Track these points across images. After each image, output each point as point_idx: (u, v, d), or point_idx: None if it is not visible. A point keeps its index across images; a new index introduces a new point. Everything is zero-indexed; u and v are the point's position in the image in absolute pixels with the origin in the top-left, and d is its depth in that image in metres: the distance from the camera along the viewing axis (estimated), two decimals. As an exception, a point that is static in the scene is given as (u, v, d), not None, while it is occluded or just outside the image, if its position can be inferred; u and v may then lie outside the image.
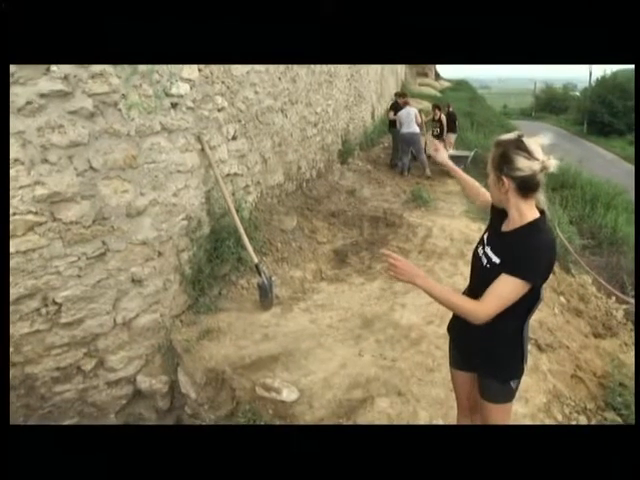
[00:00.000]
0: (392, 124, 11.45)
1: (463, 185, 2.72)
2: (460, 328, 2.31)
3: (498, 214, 2.18)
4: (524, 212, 2.02)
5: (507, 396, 2.25)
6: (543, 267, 1.98)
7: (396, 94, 12.42)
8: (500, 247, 2.07)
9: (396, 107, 11.45)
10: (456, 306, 2.02)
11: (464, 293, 2.38)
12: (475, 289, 2.14)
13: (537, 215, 2.04)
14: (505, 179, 1.98)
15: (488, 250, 2.12)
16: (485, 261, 2.11)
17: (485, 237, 2.21)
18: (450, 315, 2.40)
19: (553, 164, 1.94)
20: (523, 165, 1.93)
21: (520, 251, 1.96)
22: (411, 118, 10.83)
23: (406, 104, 11.33)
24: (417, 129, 10.82)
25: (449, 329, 2.50)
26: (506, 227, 2.10)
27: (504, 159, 1.96)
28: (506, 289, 1.97)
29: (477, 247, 2.24)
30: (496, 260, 2.04)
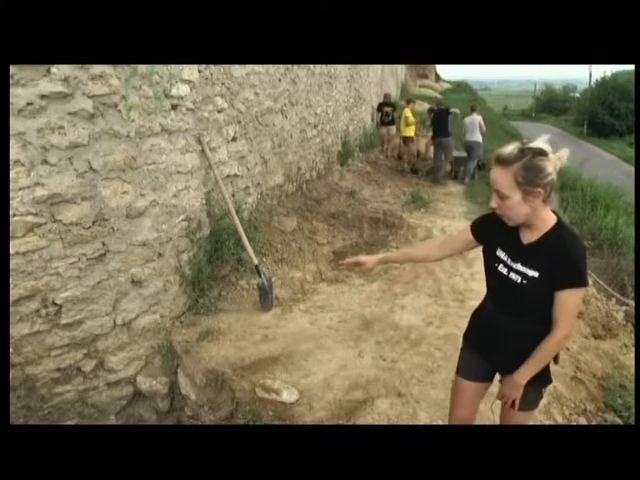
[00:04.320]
0: (444, 132, 11.26)
1: (411, 258, 2.59)
2: (490, 339, 2.24)
3: (505, 228, 2.09)
4: (545, 217, 2.00)
5: (537, 402, 2.29)
6: (586, 264, 1.98)
7: (437, 102, 12.47)
8: (533, 259, 2.01)
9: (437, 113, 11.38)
10: (548, 356, 2.07)
11: (483, 307, 2.36)
12: (510, 308, 2.13)
13: (554, 215, 2.02)
14: (540, 190, 1.89)
15: (518, 266, 2.04)
16: (519, 278, 2.04)
17: (503, 254, 2.12)
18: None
19: (566, 154, 1.95)
20: (550, 169, 1.89)
21: (567, 259, 1.93)
22: (475, 126, 10.84)
23: (474, 110, 11.30)
24: (480, 138, 10.85)
25: (473, 340, 2.41)
26: (530, 237, 2.04)
27: (533, 171, 1.87)
28: (574, 304, 1.98)
29: (495, 266, 2.15)
30: (534, 274, 1.99)
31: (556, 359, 2.20)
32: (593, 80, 44.59)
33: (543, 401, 3.40)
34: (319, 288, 5.20)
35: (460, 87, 45.13)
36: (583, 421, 3.41)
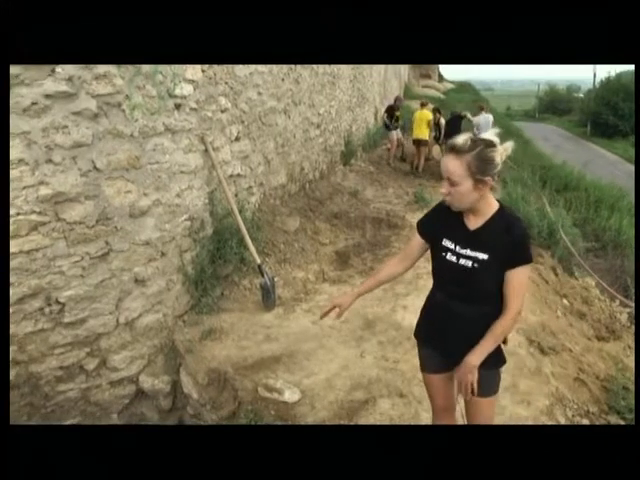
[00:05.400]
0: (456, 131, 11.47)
1: (385, 280, 2.53)
2: (445, 329, 2.28)
3: (450, 216, 2.20)
4: (490, 203, 2.12)
5: (497, 386, 2.30)
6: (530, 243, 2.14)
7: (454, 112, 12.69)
8: (481, 243, 2.10)
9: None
10: (503, 334, 2.14)
11: (432, 300, 2.39)
12: (462, 294, 2.17)
13: (496, 202, 2.15)
14: (489, 179, 2.01)
15: (467, 252, 2.12)
16: (470, 263, 2.11)
17: (450, 243, 2.18)
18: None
19: (511, 145, 2.10)
20: (498, 159, 2.03)
21: (513, 239, 2.05)
22: (489, 125, 11.15)
23: (482, 110, 11.50)
24: None
25: (424, 336, 2.44)
26: (475, 223, 2.14)
27: (485, 161, 1.99)
28: (523, 281, 2.10)
29: (443, 255, 2.20)
30: (484, 257, 2.08)
31: (505, 340, 2.25)
32: (597, 80, 44.54)
33: (545, 402, 3.41)
34: (322, 288, 5.20)
35: (463, 87, 45.17)
36: (586, 423, 3.40)
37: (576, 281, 6.90)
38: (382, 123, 13.22)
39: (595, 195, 13.00)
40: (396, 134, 12.41)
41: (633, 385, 3.79)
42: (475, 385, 2.13)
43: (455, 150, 2.01)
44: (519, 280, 2.07)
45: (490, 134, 2.08)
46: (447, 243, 2.19)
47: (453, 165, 2.01)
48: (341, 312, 2.41)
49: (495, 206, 2.13)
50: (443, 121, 12.25)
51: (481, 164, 1.99)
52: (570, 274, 7.10)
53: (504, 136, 2.12)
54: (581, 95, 57.98)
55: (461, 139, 2.03)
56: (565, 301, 5.77)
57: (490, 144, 2.02)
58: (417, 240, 2.37)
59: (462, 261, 2.13)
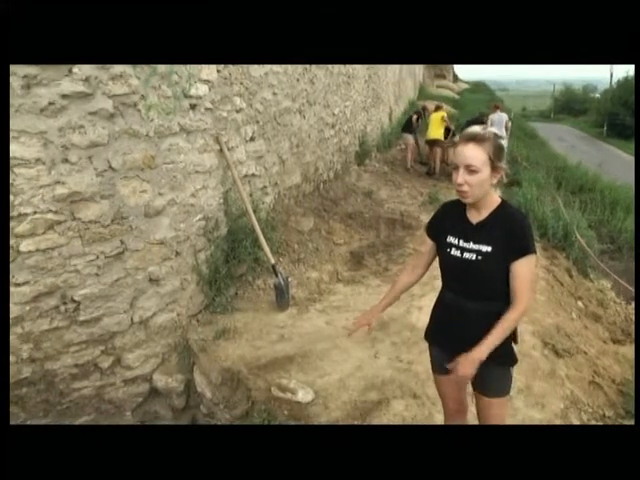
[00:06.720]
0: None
1: (402, 291, 2.54)
2: (453, 328, 2.27)
3: (454, 213, 2.26)
4: (493, 196, 2.17)
5: (508, 386, 2.29)
6: (533, 235, 2.16)
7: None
8: (485, 236, 2.12)
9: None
10: (510, 328, 2.10)
11: (441, 300, 2.39)
12: (468, 289, 2.19)
13: (498, 197, 2.20)
14: (504, 167, 2.09)
15: (471, 245, 2.14)
16: (473, 256, 2.13)
17: (454, 239, 2.21)
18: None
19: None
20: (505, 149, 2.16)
21: (515, 230, 2.09)
22: (502, 123, 11.28)
23: (497, 109, 11.64)
24: (505, 134, 11.21)
25: (433, 336, 2.44)
26: (478, 217, 2.17)
27: (500, 150, 2.08)
28: (529, 272, 2.11)
29: (448, 251, 2.22)
30: (487, 249, 2.10)
31: (515, 338, 2.25)
32: (614, 80, 44.04)
33: (560, 405, 3.37)
34: (335, 288, 5.20)
35: (478, 87, 44.91)
36: (601, 426, 3.36)
37: (591, 283, 6.84)
38: (405, 123, 12.73)
39: (611, 196, 12.84)
40: (412, 137, 12.27)
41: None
42: (468, 375, 2.09)
43: (476, 139, 2.05)
44: (525, 271, 2.08)
45: (494, 129, 2.17)
46: (451, 239, 2.22)
47: (475, 152, 2.04)
48: (370, 329, 2.50)
49: (497, 201, 2.17)
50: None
51: (498, 152, 2.06)
52: (585, 276, 7.04)
53: (521, 137, 2.13)
54: (597, 95, 57.37)
55: (477, 129, 2.10)
56: (580, 303, 5.72)
57: (499, 136, 2.12)
58: (428, 244, 2.41)
59: (466, 255, 2.15)
